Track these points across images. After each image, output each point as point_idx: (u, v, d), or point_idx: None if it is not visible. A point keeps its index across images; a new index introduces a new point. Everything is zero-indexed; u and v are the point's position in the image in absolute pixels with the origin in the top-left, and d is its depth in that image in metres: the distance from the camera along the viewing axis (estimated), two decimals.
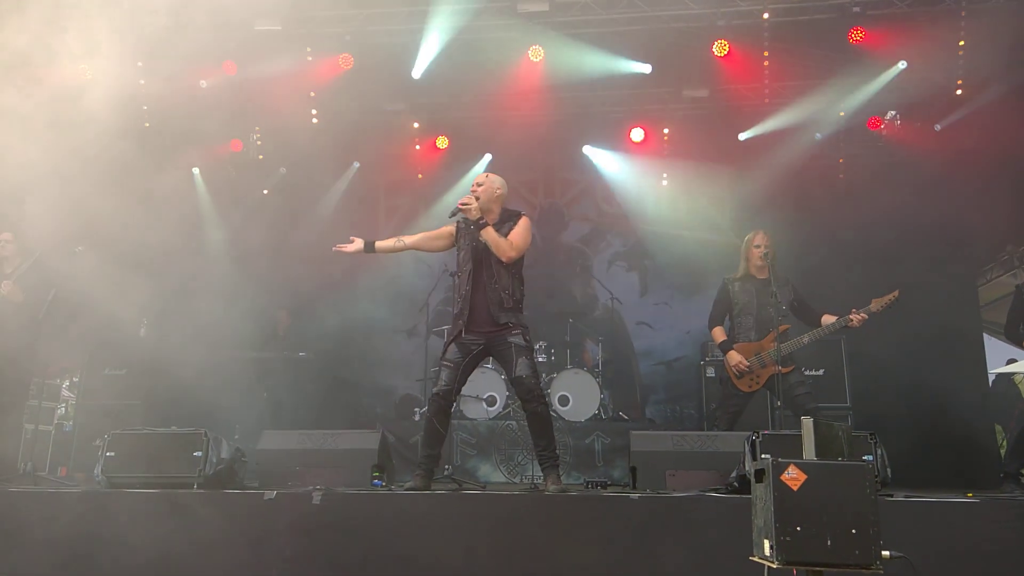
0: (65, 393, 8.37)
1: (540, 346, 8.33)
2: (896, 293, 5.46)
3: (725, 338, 5.84)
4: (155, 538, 4.32)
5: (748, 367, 5.65)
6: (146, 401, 6.61)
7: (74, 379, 8.13)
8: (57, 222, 5.47)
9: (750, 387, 5.72)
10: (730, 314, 5.93)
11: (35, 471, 5.44)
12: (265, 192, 9.68)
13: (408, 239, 5.14)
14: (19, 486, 4.96)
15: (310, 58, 8.02)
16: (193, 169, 9.26)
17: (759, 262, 5.79)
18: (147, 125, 8.28)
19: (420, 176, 10.01)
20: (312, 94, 8.58)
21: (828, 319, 5.62)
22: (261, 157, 9.33)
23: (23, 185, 5.26)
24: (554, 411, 7.87)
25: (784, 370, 5.52)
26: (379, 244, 5.15)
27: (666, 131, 9.20)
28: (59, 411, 8.42)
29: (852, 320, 5.47)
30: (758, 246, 5.80)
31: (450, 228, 5.10)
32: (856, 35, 7.35)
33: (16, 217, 5.68)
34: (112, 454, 4.92)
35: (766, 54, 7.79)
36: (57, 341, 6.16)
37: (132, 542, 4.29)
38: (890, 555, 2.68)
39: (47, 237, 5.78)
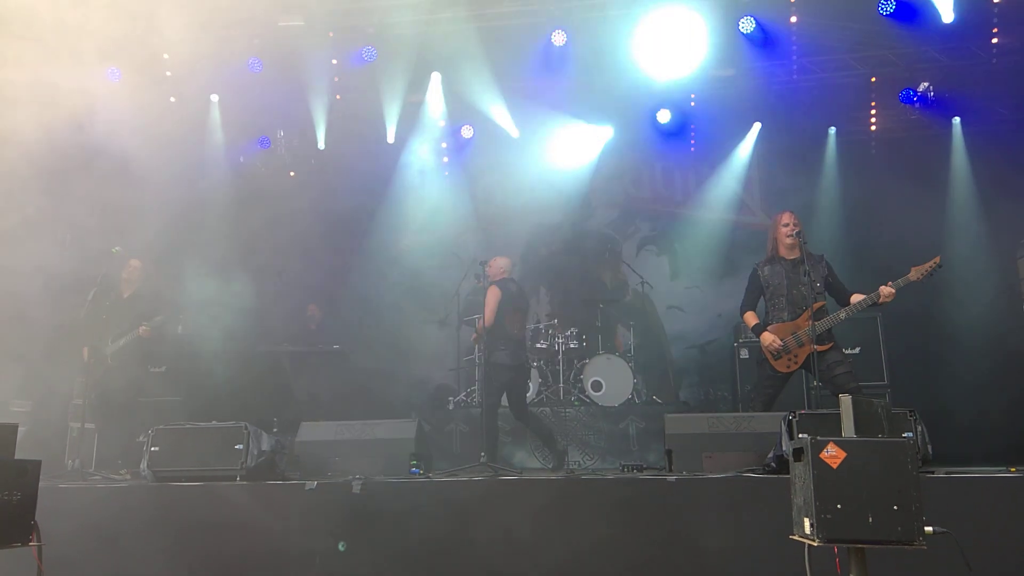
0: None
1: (571, 332, 8.33)
2: (937, 259, 5.30)
3: (757, 321, 5.78)
4: (200, 529, 4.43)
5: (782, 346, 5.58)
6: (186, 397, 6.73)
7: None
8: (95, 223, 5.59)
9: (788, 367, 5.64)
10: (764, 298, 5.85)
11: (83, 468, 5.57)
12: (292, 175, 9.81)
13: None
14: (69, 483, 5.09)
15: (334, 54, 8.06)
16: (223, 165, 9.38)
17: (788, 241, 5.69)
18: (176, 122, 8.40)
19: (446, 172, 10.04)
20: (337, 89, 8.62)
21: (857, 297, 5.52)
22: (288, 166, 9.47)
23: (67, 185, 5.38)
24: (587, 396, 7.88)
25: (821, 348, 5.44)
26: None
27: (692, 95, 9.02)
28: None
29: (881, 295, 5.36)
30: (786, 225, 5.71)
31: None
32: (887, 7, 7.19)
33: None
34: (156, 449, 5.03)
35: (794, 19, 7.63)
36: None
37: (179, 533, 4.41)
38: (933, 531, 2.64)
39: (85, 239, 5.91)
